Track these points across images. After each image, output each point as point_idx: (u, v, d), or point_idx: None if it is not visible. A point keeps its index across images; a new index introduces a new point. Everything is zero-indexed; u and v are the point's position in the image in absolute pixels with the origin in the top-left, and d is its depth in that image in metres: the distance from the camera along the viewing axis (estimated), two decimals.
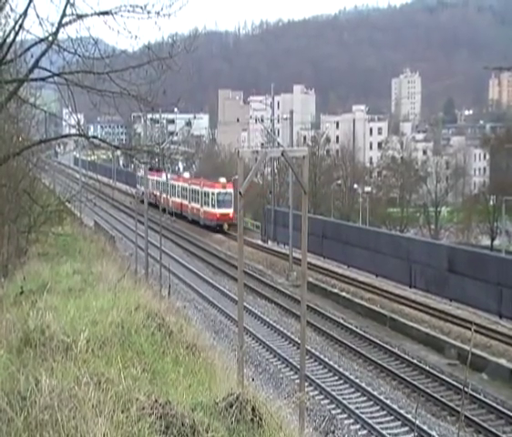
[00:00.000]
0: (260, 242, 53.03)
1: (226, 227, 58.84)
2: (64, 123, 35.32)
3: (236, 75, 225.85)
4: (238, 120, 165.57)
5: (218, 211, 59.43)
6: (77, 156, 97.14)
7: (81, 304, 14.39)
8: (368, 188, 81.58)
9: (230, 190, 59.49)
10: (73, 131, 32.96)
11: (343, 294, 36.62)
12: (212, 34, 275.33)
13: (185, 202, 67.91)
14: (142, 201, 67.40)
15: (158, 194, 63.67)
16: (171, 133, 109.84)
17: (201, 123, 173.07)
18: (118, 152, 68.47)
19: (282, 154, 14.29)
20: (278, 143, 65.46)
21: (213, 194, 60.20)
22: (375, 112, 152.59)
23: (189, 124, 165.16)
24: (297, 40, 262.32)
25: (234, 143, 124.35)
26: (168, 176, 64.49)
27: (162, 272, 35.63)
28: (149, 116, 54.19)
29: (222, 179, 62.24)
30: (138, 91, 23.61)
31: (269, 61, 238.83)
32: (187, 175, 64.46)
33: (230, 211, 58.59)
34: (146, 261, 36.77)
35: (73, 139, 40.23)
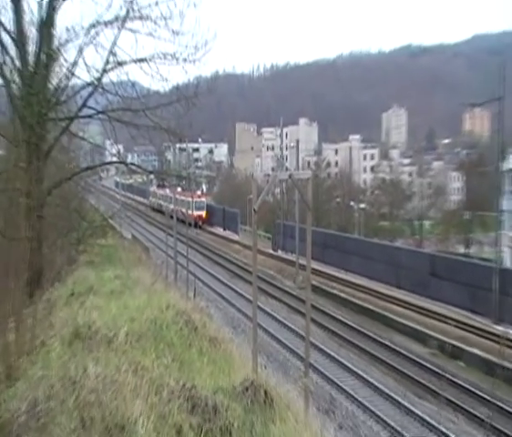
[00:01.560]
0: (271, 251, 52.88)
1: (200, 223, 69.80)
2: (107, 152, 35.56)
3: (250, 110, 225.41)
4: (252, 148, 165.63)
5: (195, 213, 68.66)
6: (118, 179, 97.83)
7: (121, 304, 14.45)
8: (362, 205, 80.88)
9: (204, 199, 73.46)
10: (114, 159, 33.35)
11: (342, 295, 36.49)
12: (230, 75, 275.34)
13: (177, 207, 70.47)
14: (152, 208, 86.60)
15: (162, 203, 78.94)
16: (196, 159, 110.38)
17: (221, 151, 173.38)
18: (152, 176, 70.55)
19: (290, 176, 14.20)
20: (286, 167, 66.32)
21: (192, 202, 68.00)
22: (368, 141, 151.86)
23: (211, 152, 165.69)
24: (302, 80, 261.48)
25: (249, 168, 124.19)
26: (168, 191, 73.57)
27: (188, 277, 35.64)
28: (178, 145, 55.08)
29: (198, 192, 74.08)
30: (168, 125, 23.85)
31: (278, 98, 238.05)
32: (179, 189, 67.69)
33: (202, 213, 71.58)
34: (175, 268, 36.81)
35: (114, 166, 40.43)
